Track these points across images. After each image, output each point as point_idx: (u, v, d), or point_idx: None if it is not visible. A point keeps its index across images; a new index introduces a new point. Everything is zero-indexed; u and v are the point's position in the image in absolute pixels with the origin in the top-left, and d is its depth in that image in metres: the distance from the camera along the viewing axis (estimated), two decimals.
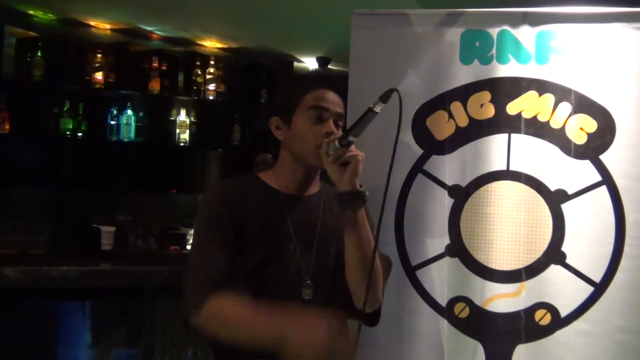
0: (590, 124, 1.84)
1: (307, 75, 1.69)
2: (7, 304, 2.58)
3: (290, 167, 1.51)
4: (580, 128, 1.85)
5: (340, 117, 1.48)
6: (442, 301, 1.88)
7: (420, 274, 1.90)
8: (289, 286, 1.45)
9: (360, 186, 1.41)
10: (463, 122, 1.90)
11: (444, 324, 1.88)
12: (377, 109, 1.37)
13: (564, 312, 1.82)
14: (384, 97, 1.36)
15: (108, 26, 3.76)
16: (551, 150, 1.85)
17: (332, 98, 1.46)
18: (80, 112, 3.64)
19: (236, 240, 1.43)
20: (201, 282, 1.38)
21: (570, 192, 1.84)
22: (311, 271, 1.46)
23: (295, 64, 4.32)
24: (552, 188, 1.85)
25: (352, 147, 1.40)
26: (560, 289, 1.83)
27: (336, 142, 1.39)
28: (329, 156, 1.39)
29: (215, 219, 1.44)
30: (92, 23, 3.73)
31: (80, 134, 3.63)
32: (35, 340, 2.78)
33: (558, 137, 1.85)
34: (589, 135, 1.84)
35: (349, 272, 1.44)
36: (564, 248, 1.83)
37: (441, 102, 1.91)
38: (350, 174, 1.39)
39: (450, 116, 1.91)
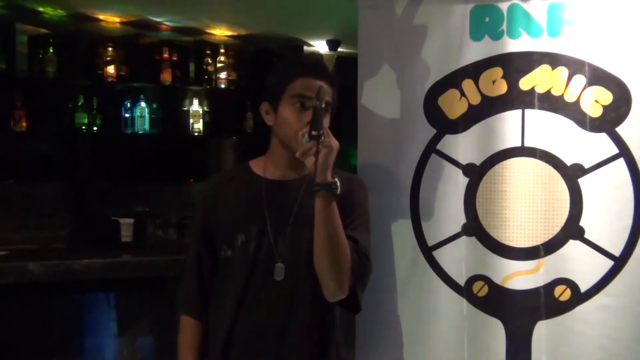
0: (606, 96, 1.81)
1: (294, 63, 1.75)
2: (32, 298, 2.63)
3: (278, 153, 1.59)
4: (595, 100, 1.81)
5: (328, 104, 1.51)
6: (461, 280, 1.88)
7: (438, 254, 1.89)
8: (261, 267, 1.54)
9: (334, 178, 1.44)
10: (475, 99, 1.88)
11: (463, 303, 1.87)
12: (320, 104, 1.42)
13: (583, 287, 1.81)
14: (318, 96, 1.43)
15: (117, 19, 3.77)
16: (566, 124, 1.83)
17: (316, 86, 1.49)
18: (95, 107, 3.66)
19: (214, 235, 1.60)
20: (183, 295, 1.67)
21: (587, 166, 1.82)
22: (284, 254, 1.53)
23: (306, 48, 4.30)
24: (569, 163, 1.83)
25: (328, 139, 1.42)
26: (580, 264, 1.81)
27: (306, 135, 1.43)
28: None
29: (198, 228, 1.64)
30: (101, 17, 3.74)
31: (95, 128, 3.66)
32: (62, 332, 2.84)
33: (573, 111, 1.82)
34: (604, 107, 1.81)
35: (315, 259, 1.48)
36: (582, 223, 1.81)
37: (452, 80, 1.89)
38: (320, 166, 1.41)
39: (462, 94, 1.88)
